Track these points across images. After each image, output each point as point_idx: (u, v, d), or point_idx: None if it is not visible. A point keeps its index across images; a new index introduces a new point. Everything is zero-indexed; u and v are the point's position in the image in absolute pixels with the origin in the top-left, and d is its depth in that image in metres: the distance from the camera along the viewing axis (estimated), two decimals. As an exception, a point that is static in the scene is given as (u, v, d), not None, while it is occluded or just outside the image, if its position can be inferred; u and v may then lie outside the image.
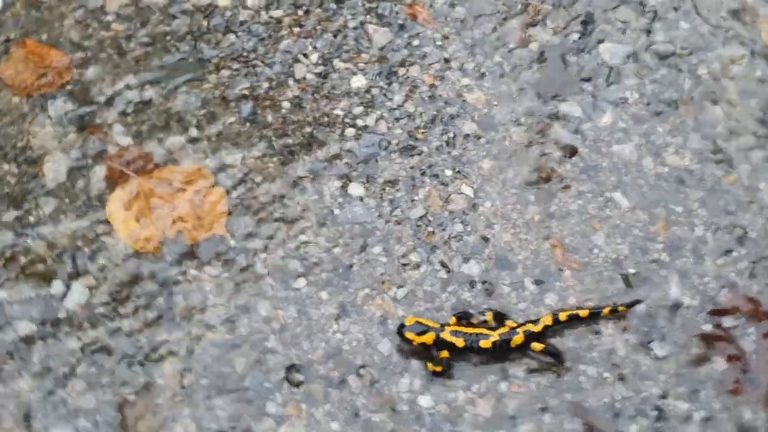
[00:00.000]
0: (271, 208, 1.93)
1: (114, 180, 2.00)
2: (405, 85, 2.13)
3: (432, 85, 2.13)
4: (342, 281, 1.82)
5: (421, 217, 1.90)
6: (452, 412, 1.64)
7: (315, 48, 2.15)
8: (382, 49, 2.17)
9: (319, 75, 2.16)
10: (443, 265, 1.83)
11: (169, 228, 1.92)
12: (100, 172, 2.01)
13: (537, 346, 1.68)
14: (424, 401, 1.66)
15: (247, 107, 2.10)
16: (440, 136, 2.04)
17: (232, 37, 2.13)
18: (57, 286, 1.83)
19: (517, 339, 1.67)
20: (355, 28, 2.15)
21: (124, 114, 2.11)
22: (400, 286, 1.80)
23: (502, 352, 1.69)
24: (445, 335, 1.67)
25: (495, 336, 1.68)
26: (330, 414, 1.65)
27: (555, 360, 1.68)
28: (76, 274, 1.84)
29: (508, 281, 1.80)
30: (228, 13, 2.16)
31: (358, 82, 2.15)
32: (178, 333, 1.76)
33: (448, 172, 1.98)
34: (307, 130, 2.06)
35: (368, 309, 1.77)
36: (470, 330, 1.69)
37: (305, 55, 2.15)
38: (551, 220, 1.89)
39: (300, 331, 1.75)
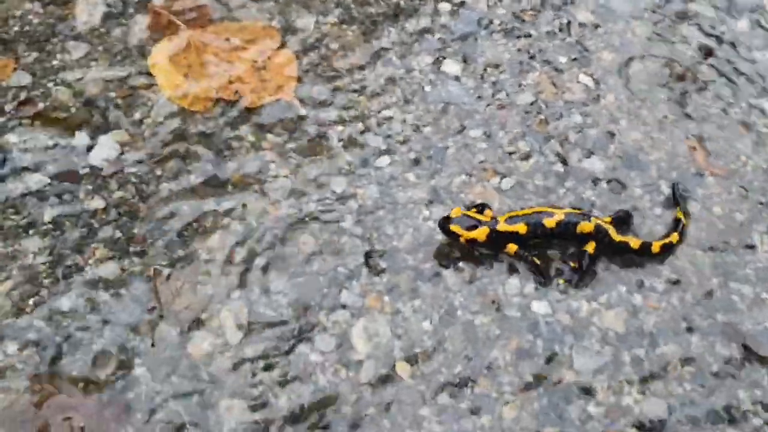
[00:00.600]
0: (349, 78, 1.59)
1: (159, 30, 1.65)
2: (507, -34, 1.82)
3: (539, -30, 1.82)
4: (434, 164, 1.47)
5: (530, 104, 1.57)
6: (575, 323, 1.29)
7: None
8: (479, -72, 1.87)
9: (407, -54, 1.84)
10: (559, 157, 1.49)
11: (225, 87, 1.57)
12: (142, 20, 1.66)
13: (591, 246, 1.33)
14: (540, 307, 1.31)
15: (320, -29, 1.78)
16: (551, 21, 1.71)
17: None
18: (81, 138, 1.46)
19: (585, 226, 1.33)
20: None
21: (174, -34, 1.78)
22: (505, 176, 1.46)
23: (568, 238, 1.34)
24: (502, 226, 1.32)
25: (560, 214, 1.34)
26: (420, 311, 1.29)
27: (576, 271, 1.34)
28: (106, 127, 1.48)
29: (640, 182, 1.47)
30: None
31: (452, -42, 1.83)
32: (230, 203, 1.40)
33: (562, 59, 1.65)
34: (393, 1, 1.73)
35: (466, 197, 1.43)
36: (529, 211, 1.36)
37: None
38: (688, 121, 1.56)
39: (383, 215, 1.40)
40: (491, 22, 1.70)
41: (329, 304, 1.29)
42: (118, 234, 1.35)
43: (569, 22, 1.71)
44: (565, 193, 1.44)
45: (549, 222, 1.33)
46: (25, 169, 1.42)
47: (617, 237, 1.35)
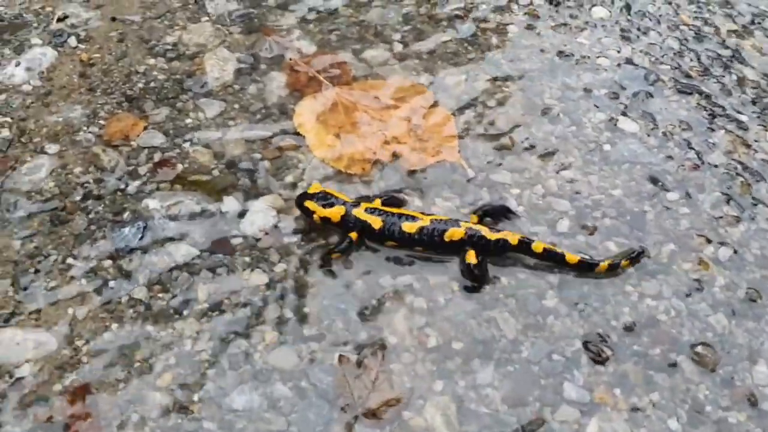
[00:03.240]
0: (516, 136, 1.43)
1: (299, 87, 1.49)
2: (661, 23, 1.69)
3: (692, 26, 1.70)
4: (634, 231, 1.28)
5: (725, 164, 1.40)
6: None
7: (539, -25, 1.73)
8: (620, -15, 1.76)
9: (550, 2, 1.72)
10: (773, 223, 1.31)
11: (381, 148, 1.40)
12: (279, 77, 1.51)
13: (471, 255, 1.18)
14: (801, 400, 1.09)
15: (464, 27, 1.64)
16: (721, 78, 1.57)
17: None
18: (230, 204, 1.27)
19: (455, 233, 1.19)
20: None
21: (304, 21, 1.64)
22: (720, 244, 1.27)
23: (434, 247, 1.20)
24: (359, 212, 1.20)
25: (425, 220, 1.20)
26: (661, 407, 1.07)
27: (472, 281, 1.19)
28: (256, 192, 1.30)
29: None
30: None
31: (600, 12, 1.71)
32: (408, 277, 1.20)
33: (743, 117, 1.49)
34: (548, 56, 1.59)
35: (678, 269, 1.24)
36: (394, 210, 1.22)
37: (528, -18, 1.73)
38: None
39: (588, 290, 1.20)
40: (659, 78, 1.55)
41: (551, 399, 1.07)
42: (288, 314, 1.14)
43: (740, 79, 1.57)
44: (791, 265, 1.25)
45: (408, 227, 1.19)
46: (169, 239, 1.23)
47: (492, 235, 1.20)
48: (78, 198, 1.27)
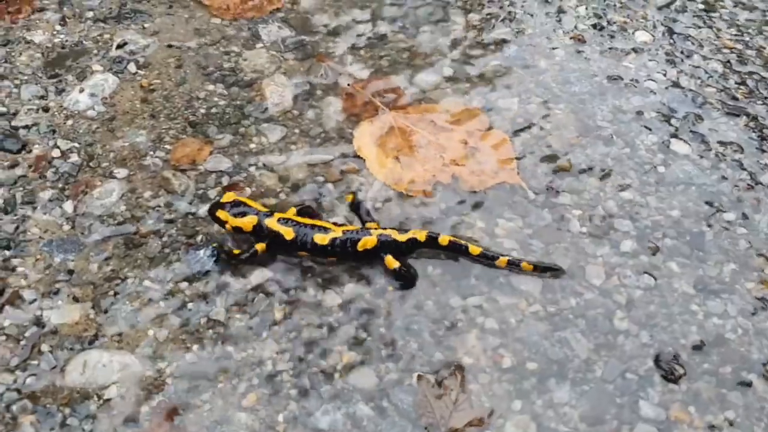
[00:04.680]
0: (573, 158, 1.45)
1: (355, 112, 1.52)
2: (703, 47, 1.73)
3: (734, 49, 1.73)
4: (695, 251, 1.31)
5: (778, 185, 1.43)
6: None
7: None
8: (660, 9, 1.80)
9: (594, 27, 1.76)
10: (831, 243, 1.34)
11: (441, 171, 1.42)
12: (335, 102, 1.54)
13: (391, 261, 1.22)
14: None
15: (511, 50, 1.68)
16: (766, 99, 1.61)
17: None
18: (298, 226, 1.31)
19: (368, 241, 1.22)
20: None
21: (354, 47, 1.68)
22: (779, 264, 1.29)
23: (347, 256, 1.23)
24: (271, 222, 1.22)
25: (337, 231, 1.22)
26: (737, 425, 1.09)
27: (401, 283, 1.23)
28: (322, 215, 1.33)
29: None
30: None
31: (643, 36, 1.75)
32: (478, 298, 1.22)
33: (793, 139, 1.53)
34: (596, 79, 1.62)
35: (741, 288, 1.26)
36: (307, 221, 1.24)
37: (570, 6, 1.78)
38: None
39: (654, 309, 1.22)
40: (706, 100, 1.58)
41: (628, 418, 1.09)
42: (363, 334, 1.16)
43: (787, 101, 1.61)
44: None
45: (320, 239, 1.21)
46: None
47: (402, 237, 1.24)
48: (150, 221, 1.30)
